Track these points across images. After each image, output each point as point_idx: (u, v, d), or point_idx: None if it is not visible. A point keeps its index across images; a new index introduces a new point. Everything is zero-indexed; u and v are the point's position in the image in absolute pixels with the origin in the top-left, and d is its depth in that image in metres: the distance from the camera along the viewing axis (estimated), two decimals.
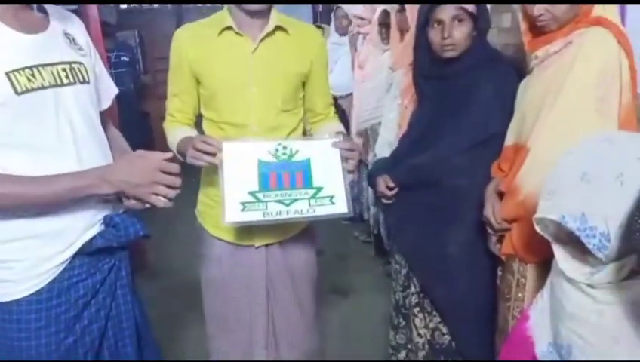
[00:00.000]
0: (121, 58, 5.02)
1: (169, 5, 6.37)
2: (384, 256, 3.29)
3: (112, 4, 5.40)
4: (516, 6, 2.15)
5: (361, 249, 3.71)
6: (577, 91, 1.38)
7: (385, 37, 2.95)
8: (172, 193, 1.19)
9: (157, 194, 1.19)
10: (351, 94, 3.53)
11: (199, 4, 6.29)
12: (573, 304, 1.16)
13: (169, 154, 1.22)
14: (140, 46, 6.52)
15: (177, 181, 1.20)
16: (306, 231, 1.77)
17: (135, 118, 4.92)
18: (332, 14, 4.06)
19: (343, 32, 3.89)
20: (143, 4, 6.28)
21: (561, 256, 1.18)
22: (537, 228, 1.19)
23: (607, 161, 1.06)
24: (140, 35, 6.33)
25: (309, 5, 6.05)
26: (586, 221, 1.05)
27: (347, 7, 3.91)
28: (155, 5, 6.37)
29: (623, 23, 1.52)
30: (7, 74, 1.09)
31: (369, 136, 3.14)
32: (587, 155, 1.11)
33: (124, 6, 6.09)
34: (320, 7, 5.89)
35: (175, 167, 1.20)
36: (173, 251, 3.55)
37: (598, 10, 1.43)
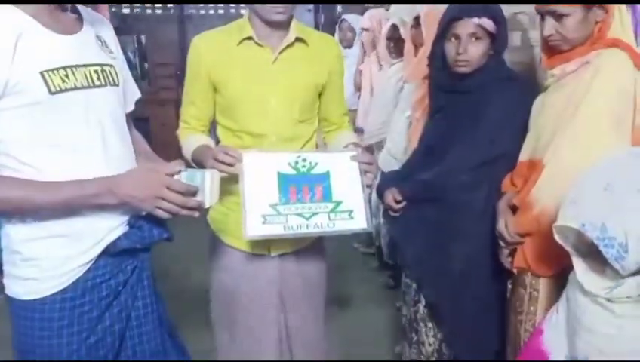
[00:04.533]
0: None
1: (172, 11, 6.39)
2: (385, 269, 3.31)
3: (113, 9, 5.41)
4: (526, 25, 2.21)
5: (362, 260, 3.72)
6: (595, 110, 1.41)
7: (393, 51, 2.99)
8: (175, 209, 1.19)
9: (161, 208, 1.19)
10: (356, 109, 3.56)
11: (202, 11, 6.33)
12: (591, 318, 1.18)
13: (176, 169, 1.21)
14: (138, 51, 6.54)
15: (180, 199, 1.18)
16: (318, 241, 1.77)
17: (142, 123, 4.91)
18: (337, 26, 4.09)
19: (347, 44, 3.93)
20: (146, 10, 6.30)
21: (581, 269, 1.20)
22: (557, 238, 1.21)
23: (631, 174, 1.09)
24: (138, 39, 6.35)
25: (311, 15, 6.11)
26: (605, 231, 1.08)
27: (351, 19, 3.96)
28: (158, 11, 6.39)
29: (637, 29, 1.58)
30: (41, 73, 1.10)
31: (374, 150, 3.16)
32: (611, 167, 1.14)
33: (126, 11, 6.10)
34: (322, 18, 5.96)
35: (181, 185, 1.20)
36: (173, 256, 3.53)
37: (614, 31, 1.47)
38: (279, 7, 1.49)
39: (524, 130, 1.69)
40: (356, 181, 1.53)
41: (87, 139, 1.19)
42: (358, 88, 3.76)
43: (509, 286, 1.71)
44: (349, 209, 1.50)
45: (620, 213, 1.07)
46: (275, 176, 1.48)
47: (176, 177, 1.21)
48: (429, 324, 1.93)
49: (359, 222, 1.50)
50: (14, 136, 1.11)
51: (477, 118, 1.78)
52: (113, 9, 5.37)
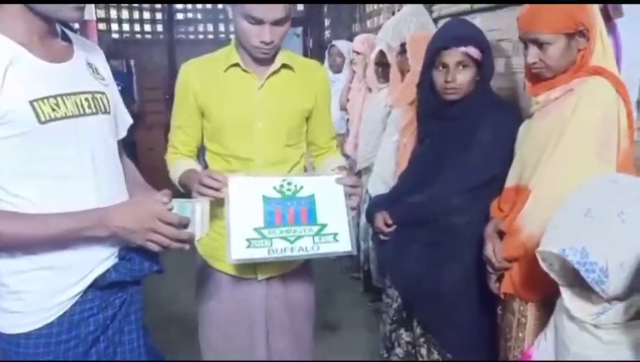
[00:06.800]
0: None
1: (161, 36, 6.44)
2: (373, 293, 3.29)
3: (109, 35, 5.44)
4: (510, 52, 2.25)
5: (349, 285, 3.70)
6: (580, 137, 1.44)
7: (381, 75, 3.03)
8: (166, 242, 1.17)
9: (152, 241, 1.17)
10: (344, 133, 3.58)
11: (191, 36, 6.38)
12: (579, 344, 1.19)
13: (165, 199, 1.19)
14: (127, 75, 6.54)
15: (172, 231, 1.17)
16: (306, 264, 1.77)
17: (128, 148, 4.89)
18: (326, 52, 4.14)
19: (336, 69, 3.96)
20: (135, 35, 6.34)
21: (568, 296, 1.21)
22: (542, 265, 1.22)
23: (610, 200, 1.11)
24: (127, 63, 6.35)
25: (300, 40, 6.18)
26: (586, 255, 1.09)
27: (340, 45, 4.00)
28: (147, 36, 6.43)
29: (619, 56, 1.60)
30: (31, 103, 1.08)
31: (362, 174, 3.18)
32: (592, 193, 1.15)
33: (116, 36, 6.14)
34: (310, 43, 6.03)
35: (173, 217, 1.18)
36: (160, 281, 3.49)
37: (596, 59, 1.50)
38: (264, 48, 1.52)
39: (512, 154, 1.71)
40: (341, 204, 1.53)
41: (78, 168, 1.17)
42: (342, 108, 3.78)
43: (499, 312, 1.71)
44: (334, 232, 1.50)
45: (601, 237, 1.08)
46: (261, 199, 1.49)
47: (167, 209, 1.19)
48: (425, 345, 1.92)
49: (344, 244, 1.50)
50: (4, 166, 1.09)
51: (466, 143, 1.80)
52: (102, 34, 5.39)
